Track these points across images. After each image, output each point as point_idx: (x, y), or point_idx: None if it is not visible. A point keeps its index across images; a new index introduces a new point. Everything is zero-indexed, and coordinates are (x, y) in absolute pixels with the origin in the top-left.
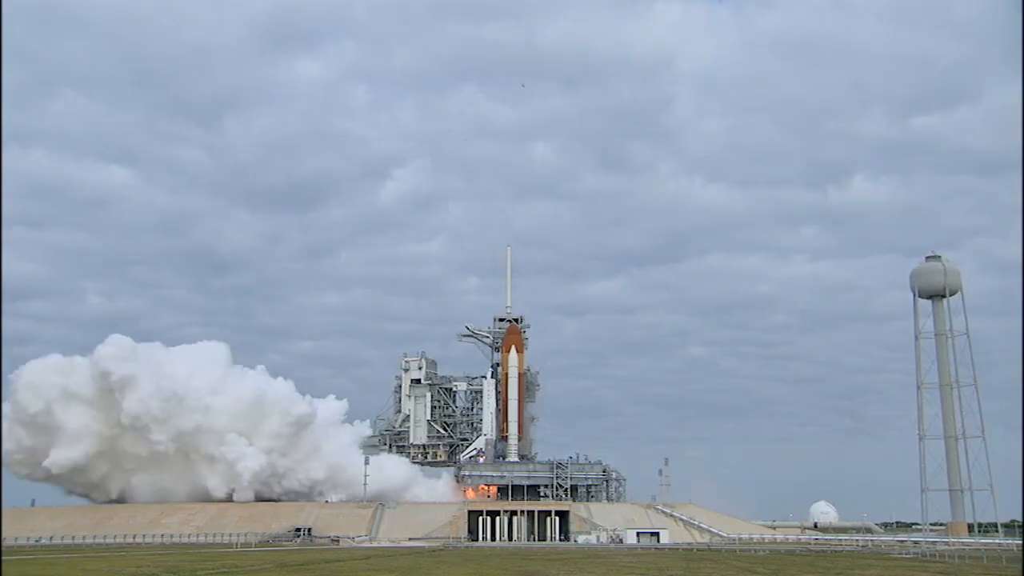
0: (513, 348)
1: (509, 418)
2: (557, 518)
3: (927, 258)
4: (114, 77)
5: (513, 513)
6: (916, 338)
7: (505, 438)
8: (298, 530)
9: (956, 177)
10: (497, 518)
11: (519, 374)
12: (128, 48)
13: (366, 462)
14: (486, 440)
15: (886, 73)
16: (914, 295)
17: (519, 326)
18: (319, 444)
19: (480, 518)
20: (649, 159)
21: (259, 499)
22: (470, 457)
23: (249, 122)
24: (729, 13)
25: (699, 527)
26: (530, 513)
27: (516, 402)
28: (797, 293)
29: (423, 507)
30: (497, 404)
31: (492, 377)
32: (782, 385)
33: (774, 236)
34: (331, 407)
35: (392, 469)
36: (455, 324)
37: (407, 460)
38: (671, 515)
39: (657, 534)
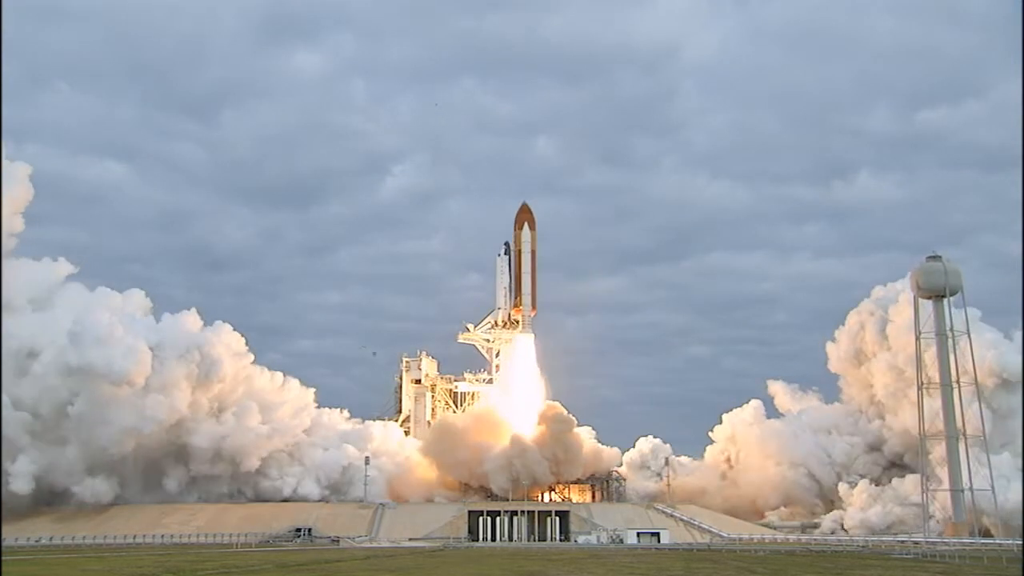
0: (526, 225)
1: (523, 291)
2: (557, 518)
3: (928, 258)
4: (108, 70)
5: (513, 513)
6: (917, 338)
7: (519, 313)
8: (298, 530)
9: (962, 173)
10: (497, 518)
11: (531, 250)
12: (122, 40)
13: (367, 462)
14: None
15: (892, 66)
16: (914, 295)
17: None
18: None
19: (480, 518)
20: (653, 154)
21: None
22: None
23: (246, 116)
24: (733, 4)
25: (699, 527)
26: (530, 513)
27: (529, 276)
28: (799, 291)
29: (423, 507)
30: (510, 278)
31: (505, 254)
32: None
33: (777, 233)
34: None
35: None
36: (455, 323)
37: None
38: (671, 515)
39: (657, 534)
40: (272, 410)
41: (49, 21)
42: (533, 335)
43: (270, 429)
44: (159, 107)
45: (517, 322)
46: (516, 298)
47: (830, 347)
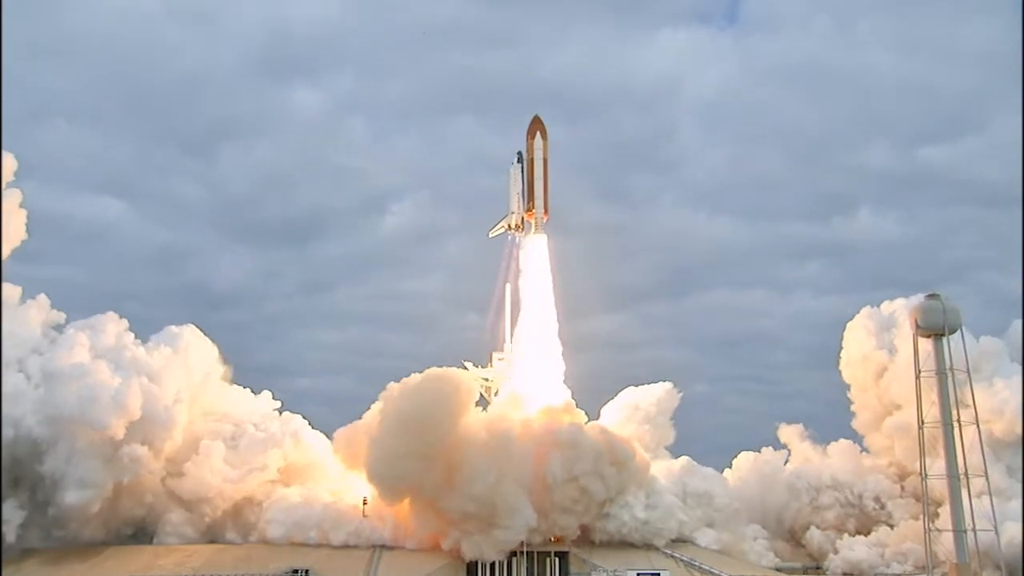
0: (538, 134)
1: (536, 195)
2: (556, 559)
3: (927, 296)
4: (107, 107)
5: (512, 554)
6: (916, 377)
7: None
8: (295, 571)
9: (962, 209)
10: (495, 560)
11: (544, 158)
12: (121, 77)
13: (364, 502)
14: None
15: (892, 103)
16: (913, 333)
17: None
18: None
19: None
20: (652, 192)
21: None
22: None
23: (245, 154)
24: (732, 42)
25: (700, 568)
26: (529, 554)
27: (542, 182)
28: (800, 329)
29: (420, 550)
30: (523, 184)
31: (519, 163)
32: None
33: (778, 271)
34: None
35: None
36: (454, 362)
37: None
38: (671, 556)
39: (657, 575)
40: (242, 441)
41: (48, 58)
42: (546, 236)
43: (243, 472)
44: (157, 144)
45: (531, 226)
46: (529, 202)
47: (855, 408)
